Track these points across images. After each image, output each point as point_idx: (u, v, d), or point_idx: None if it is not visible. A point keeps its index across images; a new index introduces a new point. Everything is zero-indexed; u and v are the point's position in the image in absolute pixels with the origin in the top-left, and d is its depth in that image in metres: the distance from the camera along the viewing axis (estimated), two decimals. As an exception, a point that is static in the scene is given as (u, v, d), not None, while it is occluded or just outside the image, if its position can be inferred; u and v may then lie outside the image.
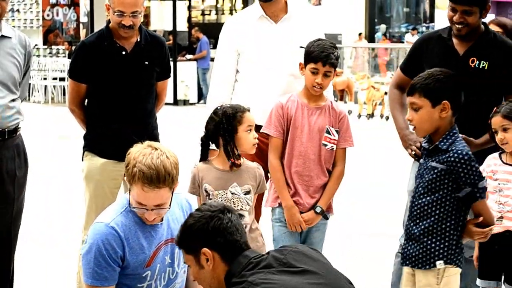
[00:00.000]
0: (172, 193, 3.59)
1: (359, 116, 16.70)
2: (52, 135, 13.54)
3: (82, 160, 5.36)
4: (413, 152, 4.58)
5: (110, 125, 5.20)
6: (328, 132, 4.77)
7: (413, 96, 4.08)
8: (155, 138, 5.35)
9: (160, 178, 3.49)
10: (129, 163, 3.53)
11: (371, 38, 25.19)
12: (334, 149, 4.80)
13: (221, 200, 4.37)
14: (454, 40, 4.83)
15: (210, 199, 4.39)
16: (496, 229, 4.39)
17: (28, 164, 5.04)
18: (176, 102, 19.15)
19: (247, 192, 4.40)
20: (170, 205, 3.63)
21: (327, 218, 4.87)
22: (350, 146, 4.85)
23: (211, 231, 3.21)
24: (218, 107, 4.41)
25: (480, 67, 4.78)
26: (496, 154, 4.68)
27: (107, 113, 5.17)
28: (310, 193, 4.78)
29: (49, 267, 6.64)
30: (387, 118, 15.55)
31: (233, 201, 4.37)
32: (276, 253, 3.27)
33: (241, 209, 4.36)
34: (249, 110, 4.41)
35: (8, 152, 4.84)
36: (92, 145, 5.28)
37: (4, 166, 4.76)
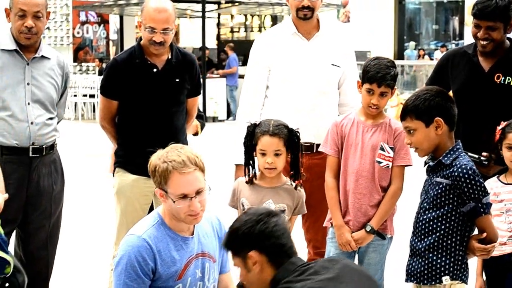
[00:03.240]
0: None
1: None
2: (81, 152, 13.64)
3: (113, 176, 5.42)
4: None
5: (141, 142, 5.24)
6: (382, 149, 4.68)
7: (406, 120, 4.13)
8: None
9: (191, 160, 3.59)
10: (156, 167, 3.61)
11: (400, 55, 25.12)
12: (390, 166, 4.69)
13: None
14: (479, 57, 4.83)
15: None
16: (508, 248, 4.40)
17: (65, 179, 5.12)
18: (214, 119, 19.23)
19: (282, 211, 4.39)
20: (208, 190, 3.70)
21: (384, 238, 4.74)
22: (407, 164, 4.71)
23: (258, 235, 3.21)
24: (260, 121, 4.47)
25: (506, 83, 4.78)
26: (494, 178, 4.69)
27: (138, 130, 5.22)
28: (362, 211, 4.68)
29: (80, 283, 6.71)
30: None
31: None
32: (324, 262, 3.27)
33: None
34: (292, 130, 4.43)
35: (45, 168, 4.93)
36: (123, 161, 5.34)
37: (42, 182, 4.84)
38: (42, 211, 4.85)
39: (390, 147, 4.68)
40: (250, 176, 4.49)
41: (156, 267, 3.60)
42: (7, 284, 3.63)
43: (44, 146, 4.91)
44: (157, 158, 3.62)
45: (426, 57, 24.80)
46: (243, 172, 4.60)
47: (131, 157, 5.29)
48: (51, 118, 4.98)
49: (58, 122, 5.15)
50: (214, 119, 19.54)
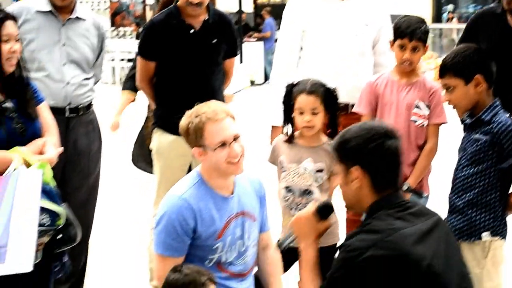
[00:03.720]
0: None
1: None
2: (124, 117, 13.66)
3: (152, 136, 5.45)
4: None
5: (179, 102, 5.27)
6: (417, 108, 4.70)
7: (445, 77, 4.09)
8: None
9: (223, 110, 3.63)
10: (188, 124, 3.64)
11: (438, 18, 24.85)
12: (425, 125, 4.73)
13: (293, 174, 4.43)
14: (508, 15, 4.77)
15: (284, 171, 4.46)
16: None
17: (102, 139, 5.16)
18: (252, 82, 19.19)
19: (320, 170, 4.42)
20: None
21: (420, 196, 4.75)
22: (443, 122, 4.74)
23: (367, 153, 3.10)
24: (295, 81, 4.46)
25: None
26: None
27: (175, 90, 5.24)
28: None
29: (120, 246, 6.81)
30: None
31: (304, 177, 4.42)
32: (423, 207, 3.24)
33: (310, 185, 4.40)
34: (329, 89, 4.41)
35: (83, 128, 4.97)
36: (161, 121, 5.38)
37: (79, 142, 4.87)
38: (80, 171, 4.89)
39: (425, 105, 4.69)
40: (289, 135, 4.50)
41: (196, 227, 3.62)
42: (59, 237, 3.66)
43: (80, 106, 4.95)
44: (187, 117, 3.66)
45: (455, 20, 24.49)
46: (279, 132, 4.61)
47: (169, 117, 5.32)
48: (87, 79, 5.01)
49: (95, 83, 5.18)
50: (252, 83, 19.51)
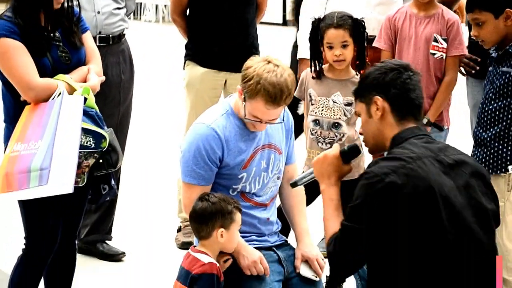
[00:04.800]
0: None
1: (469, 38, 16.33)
2: (160, 54, 13.71)
3: (184, 68, 5.46)
4: (462, 69, 4.52)
5: (211, 35, 5.27)
6: (435, 41, 4.69)
7: (474, 12, 4.02)
8: (255, 48, 5.41)
9: (283, 97, 3.52)
10: (251, 78, 3.53)
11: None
12: (444, 57, 4.72)
13: (322, 108, 4.41)
14: None
15: (313, 104, 4.45)
16: None
17: (134, 69, 5.17)
18: (285, 22, 19.01)
19: (349, 104, 4.40)
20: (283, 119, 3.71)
21: (441, 129, 4.77)
22: (461, 54, 4.74)
23: (388, 81, 3.09)
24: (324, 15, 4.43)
25: None
26: None
27: (208, 22, 5.23)
28: None
29: (150, 177, 6.88)
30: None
31: (333, 110, 4.40)
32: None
33: (339, 118, 4.38)
34: (356, 20, 4.38)
35: (113, 58, 4.98)
36: (193, 54, 5.38)
37: (109, 71, 4.88)
38: (111, 100, 4.91)
39: (443, 38, 4.69)
40: (317, 70, 4.47)
41: (223, 156, 3.62)
42: (101, 161, 3.70)
43: (111, 36, 4.95)
44: (257, 71, 3.53)
45: None
46: (307, 66, 4.59)
47: (201, 49, 5.32)
48: (118, 8, 5.00)
49: (128, 15, 5.17)
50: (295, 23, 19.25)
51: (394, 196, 2.87)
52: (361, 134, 3.25)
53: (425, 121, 4.66)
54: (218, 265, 3.47)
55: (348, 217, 2.99)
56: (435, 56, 4.70)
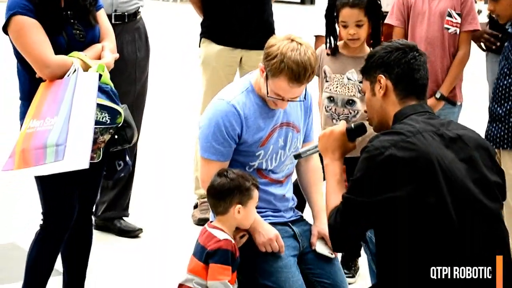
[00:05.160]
0: None
1: (479, 12, 16.32)
2: (176, 33, 13.72)
3: (199, 46, 5.46)
4: (483, 45, 4.50)
5: (226, 12, 5.28)
6: (449, 16, 4.70)
7: None
8: (270, 25, 5.41)
9: (306, 75, 3.52)
10: (275, 56, 3.52)
11: None
12: (458, 32, 4.73)
13: (336, 84, 4.41)
14: None
15: (327, 81, 4.45)
16: None
17: (150, 47, 5.18)
18: (303, 1, 18.95)
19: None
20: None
21: (454, 104, 4.78)
22: (475, 29, 4.74)
23: (392, 60, 3.12)
24: None
25: None
26: None
27: (223, 0, 5.22)
28: (432, 79, 4.64)
29: (166, 154, 6.91)
30: (479, 11, 15.04)
31: (347, 87, 4.40)
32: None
33: (353, 95, 4.38)
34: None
35: (129, 36, 4.99)
36: (209, 31, 5.39)
37: (125, 49, 4.90)
38: (126, 77, 4.93)
39: (457, 13, 4.69)
40: (332, 47, 4.47)
41: (242, 133, 3.63)
42: (116, 136, 3.73)
43: (126, 14, 4.96)
44: (281, 50, 3.52)
45: None
46: (323, 42, 4.59)
47: (217, 27, 5.33)
48: None
49: None
50: (312, 2, 19.22)
51: (394, 169, 2.89)
52: (365, 112, 3.27)
53: (438, 95, 4.68)
54: (233, 241, 3.49)
55: (349, 190, 3.02)
56: (449, 31, 4.70)
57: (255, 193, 3.53)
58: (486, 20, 5.08)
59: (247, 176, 3.55)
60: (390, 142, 2.94)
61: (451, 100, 4.76)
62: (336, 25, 4.46)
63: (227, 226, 3.52)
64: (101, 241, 4.78)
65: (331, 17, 4.44)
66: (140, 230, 5.23)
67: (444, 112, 4.73)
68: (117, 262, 4.85)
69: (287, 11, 11.97)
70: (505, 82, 4.04)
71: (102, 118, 3.62)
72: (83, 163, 3.45)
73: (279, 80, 3.51)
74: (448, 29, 4.70)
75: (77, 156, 3.43)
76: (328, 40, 4.49)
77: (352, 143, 3.30)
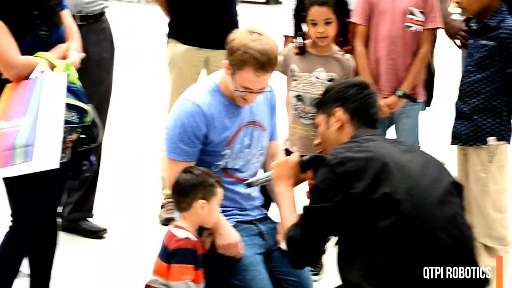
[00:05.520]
0: None
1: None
2: (142, 34, 13.65)
3: (166, 46, 5.47)
4: (459, 42, 4.55)
5: (192, 12, 5.30)
6: (412, 14, 4.75)
7: None
8: (236, 25, 5.44)
9: (271, 62, 3.56)
10: (237, 49, 3.55)
11: None
12: (419, 30, 4.77)
13: (304, 83, 4.45)
14: None
15: (295, 80, 4.48)
16: None
17: (115, 48, 5.18)
18: (267, 1, 18.97)
19: (331, 80, 4.46)
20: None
21: (415, 101, 4.84)
22: (438, 27, 4.80)
23: (349, 95, 3.25)
24: None
25: None
26: None
27: (188, 0, 5.25)
28: (395, 77, 4.78)
29: (132, 155, 6.90)
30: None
31: (316, 85, 4.45)
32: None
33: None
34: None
35: (94, 36, 4.98)
36: (175, 32, 5.41)
37: (90, 50, 4.87)
38: (91, 78, 4.88)
39: (420, 12, 4.75)
40: (300, 46, 4.51)
41: (208, 133, 3.65)
42: (83, 136, 3.73)
43: (91, 14, 4.96)
44: (242, 42, 3.55)
45: None
46: (292, 42, 4.64)
47: (183, 27, 5.35)
48: None
49: None
50: (277, 1, 19.20)
51: (349, 168, 2.97)
52: (318, 144, 3.37)
53: (400, 93, 4.75)
54: (195, 239, 3.50)
55: (309, 202, 3.09)
56: (411, 29, 4.75)
57: (219, 191, 3.55)
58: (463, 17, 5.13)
59: (212, 173, 3.58)
60: (345, 149, 3.06)
61: (413, 97, 4.82)
62: (304, 24, 4.49)
63: (191, 224, 3.54)
64: (66, 242, 4.76)
65: (300, 15, 4.48)
66: (105, 230, 5.23)
67: (405, 110, 4.82)
68: (83, 262, 4.85)
69: (252, 11, 12.00)
70: (470, 79, 4.11)
71: (71, 118, 3.63)
72: (53, 163, 3.46)
73: (245, 71, 3.54)
74: (410, 27, 4.75)
75: (47, 156, 3.44)
76: (296, 38, 4.52)
77: (304, 174, 3.38)
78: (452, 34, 4.58)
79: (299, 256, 3.16)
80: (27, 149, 3.42)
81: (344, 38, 4.53)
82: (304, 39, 4.55)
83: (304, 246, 3.10)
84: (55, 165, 3.46)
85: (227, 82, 3.65)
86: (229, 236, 3.61)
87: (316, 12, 4.39)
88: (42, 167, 3.46)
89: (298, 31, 4.55)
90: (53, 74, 3.64)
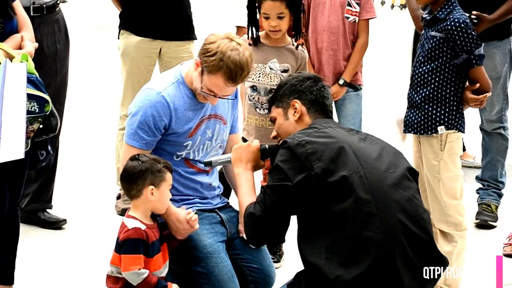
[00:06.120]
0: None
1: (383, 3, 16.78)
2: (86, 23, 13.58)
3: (118, 38, 5.49)
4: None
5: (145, 3, 5.31)
6: (349, 5, 4.95)
7: None
8: (189, 16, 5.48)
9: (242, 76, 3.62)
10: (214, 54, 3.59)
11: None
12: (357, 21, 4.98)
13: (259, 74, 4.52)
14: None
15: None
16: None
17: (69, 39, 5.18)
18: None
19: (285, 71, 4.54)
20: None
21: (356, 89, 5.05)
22: (373, 17, 5.02)
23: (305, 88, 3.39)
24: None
25: None
26: None
27: None
28: (336, 66, 4.97)
29: (89, 146, 6.90)
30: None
31: (270, 76, 4.52)
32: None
33: (276, 84, 4.48)
34: None
35: (48, 28, 4.97)
36: (128, 23, 5.42)
37: (44, 41, 4.88)
38: (47, 70, 4.89)
39: (356, 3, 4.97)
40: (254, 37, 4.58)
41: (171, 124, 3.70)
42: (41, 126, 3.75)
43: (44, 6, 4.94)
44: (220, 48, 3.58)
45: None
46: (244, 33, 4.70)
47: (135, 17, 5.36)
48: None
49: None
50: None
51: (308, 149, 3.11)
52: (275, 137, 3.48)
53: (341, 82, 4.96)
54: (144, 227, 3.52)
55: (269, 181, 3.19)
56: (349, 19, 4.97)
57: (168, 176, 3.59)
58: None
59: (159, 159, 3.61)
60: (304, 134, 3.19)
61: (354, 85, 5.05)
62: (258, 15, 4.55)
63: (142, 212, 3.57)
64: (25, 233, 4.76)
65: (253, 8, 4.53)
66: (64, 221, 5.24)
67: (348, 96, 5.03)
68: (42, 254, 4.87)
69: (204, 3, 12.00)
70: (421, 70, 4.21)
71: (31, 108, 3.65)
72: (18, 154, 3.48)
73: (216, 77, 3.60)
74: (348, 18, 4.95)
75: (13, 147, 3.45)
76: (250, 30, 4.59)
77: (263, 162, 3.49)
78: (420, 27, 4.69)
79: (258, 232, 3.25)
80: None
81: (297, 31, 4.59)
82: (258, 30, 4.60)
83: (263, 222, 3.19)
84: (21, 155, 3.48)
85: (193, 78, 3.70)
86: (177, 213, 3.65)
87: (269, 6, 4.44)
88: (9, 157, 3.47)
89: (252, 23, 4.59)
90: (13, 65, 3.63)
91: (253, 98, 4.58)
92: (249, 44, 4.56)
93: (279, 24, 4.47)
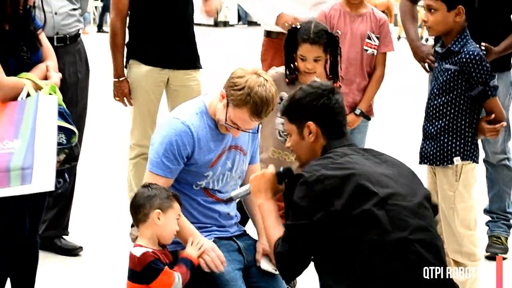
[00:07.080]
0: None
1: (399, 38, 16.76)
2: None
3: (126, 67, 5.55)
4: (427, 65, 4.68)
5: (153, 32, 5.40)
6: (369, 38, 5.06)
7: None
8: (195, 46, 5.59)
9: (267, 111, 3.69)
10: (242, 88, 3.65)
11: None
12: (375, 54, 5.09)
13: None
14: None
15: None
16: None
17: (90, 68, 5.28)
18: (216, 23, 19.18)
19: None
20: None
21: (369, 119, 5.17)
22: (391, 51, 5.13)
23: (319, 108, 3.35)
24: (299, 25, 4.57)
25: None
26: None
27: (149, 20, 5.39)
28: (351, 97, 5.05)
29: (106, 174, 6.94)
30: (427, 40, 15.51)
31: None
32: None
33: None
34: (331, 34, 4.54)
35: (70, 58, 5.09)
36: (136, 52, 5.49)
37: (66, 71, 4.97)
38: (68, 99, 4.95)
39: (376, 36, 5.09)
40: (291, 76, 4.61)
41: (193, 154, 3.76)
42: (65, 156, 3.80)
43: (68, 36, 5.07)
44: (249, 83, 3.66)
45: None
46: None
47: (145, 48, 5.43)
48: (74, 9, 5.13)
49: (81, 15, 5.28)
50: (225, 24, 19.50)
51: (327, 185, 3.10)
52: (292, 151, 3.50)
53: (358, 111, 5.07)
54: (152, 249, 3.56)
55: (290, 218, 3.20)
56: (368, 52, 5.08)
57: (176, 205, 3.64)
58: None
59: (169, 189, 3.68)
60: (320, 166, 3.18)
61: (368, 116, 5.17)
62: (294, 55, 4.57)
63: (149, 238, 3.61)
64: (41, 260, 4.78)
65: (290, 47, 4.56)
66: (81, 248, 5.30)
67: (358, 126, 5.14)
68: (58, 281, 4.90)
69: (202, 33, 12.18)
70: (435, 102, 4.28)
71: (60, 139, 3.71)
72: (49, 185, 3.53)
73: (241, 111, 3.67)
74: (367, 50, 5.07)
75: (44, 179, 3.50)
76: (287, 69, 4.61)
77: (281, 185, 3.50)
78: (420, 58, 4.75)
79: (289, 270, 3.27)
80: (25, 172, 3.49)
81: (335, 74, 4.62)
82: (295, 69, 4.60)
83: (292, 260, 3.22)
84: (51, 187, 3.53)
85: (217, 109, 3.76)
86: (205, 241, 3.71)
87: (307, 49, 4.48)
88: (40, 189, 3.53)
89: (289, 61, 4.60)
90: (45, 97, 3.71)
91: (285, 134, 4.59)
92: (287, 84, 4.60)
93: (314, 66, 4.51)
